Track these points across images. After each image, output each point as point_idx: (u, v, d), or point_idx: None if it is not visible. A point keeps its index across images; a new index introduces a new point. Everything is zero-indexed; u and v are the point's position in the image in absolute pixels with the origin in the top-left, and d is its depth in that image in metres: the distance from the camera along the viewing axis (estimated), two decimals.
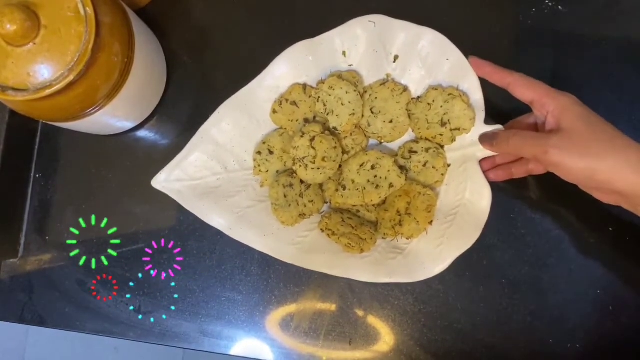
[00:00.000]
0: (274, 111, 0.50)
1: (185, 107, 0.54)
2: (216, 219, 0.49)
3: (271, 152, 0.50)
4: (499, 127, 0.46)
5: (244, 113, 0.50)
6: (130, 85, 0.45)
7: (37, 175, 0.54)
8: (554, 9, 0.51)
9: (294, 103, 0.49)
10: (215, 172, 0.50)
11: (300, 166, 0.48)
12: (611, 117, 0.50)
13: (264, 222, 0.49)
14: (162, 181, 0.49)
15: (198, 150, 0.49)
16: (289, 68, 0.49)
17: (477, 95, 0.47)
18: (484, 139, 0.46)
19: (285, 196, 0.49)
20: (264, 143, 0.50)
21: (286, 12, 0.54)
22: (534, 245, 0.49)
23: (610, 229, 0.49)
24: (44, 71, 0.39)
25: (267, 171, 0.50)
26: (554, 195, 0.50)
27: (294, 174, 0.49)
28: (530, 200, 0.50)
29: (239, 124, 0.50)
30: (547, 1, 0.52)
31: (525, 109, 0.44)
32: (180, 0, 0.55)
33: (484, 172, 0.47)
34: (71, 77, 0.39)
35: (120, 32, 0.43)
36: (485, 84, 0.46)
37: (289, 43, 0.48)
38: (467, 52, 0.47)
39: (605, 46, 0.51)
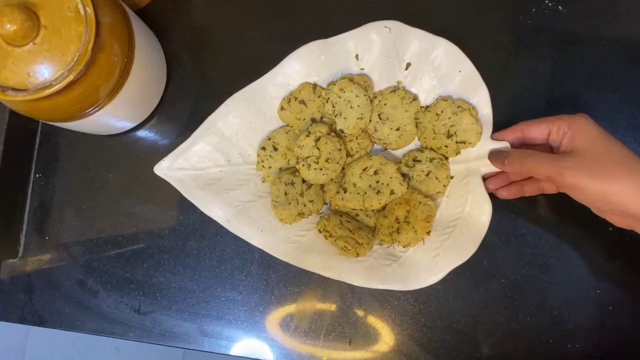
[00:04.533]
0: (282, 108, 0.50)
1: (185, 107, 0.54)
2: (215, 211, 0.49)
3: (275, 149, 0.50)
4: (505, 144, 0.46)
5: (252, 107, 0.50)
6: (130, 85, 0.45)
7: (37, 175, 0.54)
8: (554, 9, 0.51)
9: (303, 102, 0.49)
10: (218, 164, 0.50)
11: (304, 165, 0.48)
12: (611, 117, 0.50)
13: (263, 218, 0.49)
14: (164, 168, 0.49)
15: (203, 140, 0.49)
16: (301, 66, 0.49)
17: (485, 110, 0.47)
18: (495, 157, 0.45)
19: (285, 194, 0.49)
20: (269, 139, 0.50)
21: (286, 12, 0.54)
22: (534, 245, 0.49)
23: (610, 229, 0.49)
24: (44, 71, 0.39)
25: (270, 167, 0.50)
26: (554, 195, 0.50)
27: (297, 173, 0.49)
28: (531, 201, 0.50)
29: (245, 118, 0.50)
30: (547, 1, 0.52)
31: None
32: (180, 0, 0.55)
33: (496, 189, 0.47)
34: (71, 77, 0.39)
35: (120, 32, 0.43)
36: (494, 100, 0.46)
37: (289, 43, 0.48)
38: (467, 53, 0.47)
39: (605, 46, 0.51)
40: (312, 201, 0.49)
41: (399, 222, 0.47)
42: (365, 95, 0.48)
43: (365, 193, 0.48)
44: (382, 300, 0.50)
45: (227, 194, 0.49)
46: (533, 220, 0.50)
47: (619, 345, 0.48)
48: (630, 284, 0.49)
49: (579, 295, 0.49)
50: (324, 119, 0.50)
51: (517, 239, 0.50)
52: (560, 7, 0.51)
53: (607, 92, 0.50)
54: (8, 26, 0.37)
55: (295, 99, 0.49)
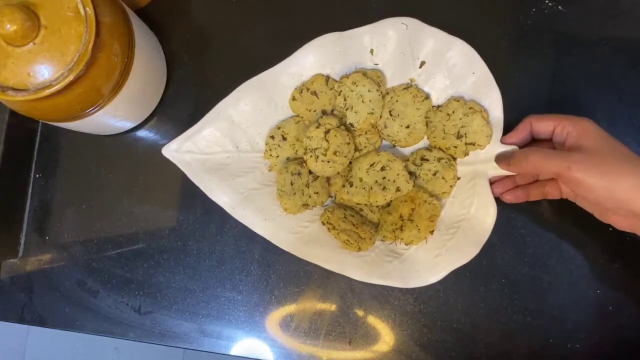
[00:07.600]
0: (294, 98, 0.50)
1: (185, 107, 0.54)
2: (220, 196, 0.49)
3: (284, 138, 0.50)
4: (514, 147, 0.46)
5: (264, 95, 0.50)
6: (130, 85, 0.45)
7: (37, 175, 0.54)
8: (554, 9, 0.51)
9: (315, 93, 0.49)
10: (226, 150, 0.50)
11: (311, 157, 0.48)
12: (611, 117, 0.50)
13: (267, 206, 0.49)
14: (172, 150, 0.49)
15: (212, 125, 0.49)
16: (316, 58, 0.49)
17: (497, 113, 0.47)
18: (501, 158, 0.45)
19: (291, 184, 0.49)
20: (278, 128, 0.50)
21: (286, 12, 0.54)
22: (534, 245, 0.49)
23: (610, 229, 0.49)
24: (44, 71, 0.39)
25: (278, 156, 0.50)
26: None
27: (304, 164, 0.49)
28: (532, 201, 0.50)
29: (256, 106, 0.50)
30: (547, 1, 0.52)
31: None
32: (180, 0, 0.55)
33: (502, 193, 0.47)
34: (71, 77, 0.39)
35: (120, 32, 0.43)
36: (506, 104, 0.46)
37: (290, 42, 0.48)
38: None
39: (605, 46, 0.51)
40: (317, 193, 0.49)
41: (402, 220, 0.47)
42: (377, 90, 0.48)
43: (371, 188, 0.48)
44: (382, 300, 0.50)
45: (233, 180, 0.49)
46: (533, 220, 0.50)
47: (619, 345, 0.48)
48: (630, 285, 0.49)
49: (579, 295, 0.49)
50: (335, 112, 0.50)
51: (517, 239, 0.50)
52: (560, 7, 0.51)
53: (607, 92, 0.50)
54: (8, 26, 0.37)
55: (307, 89, 0.49)
